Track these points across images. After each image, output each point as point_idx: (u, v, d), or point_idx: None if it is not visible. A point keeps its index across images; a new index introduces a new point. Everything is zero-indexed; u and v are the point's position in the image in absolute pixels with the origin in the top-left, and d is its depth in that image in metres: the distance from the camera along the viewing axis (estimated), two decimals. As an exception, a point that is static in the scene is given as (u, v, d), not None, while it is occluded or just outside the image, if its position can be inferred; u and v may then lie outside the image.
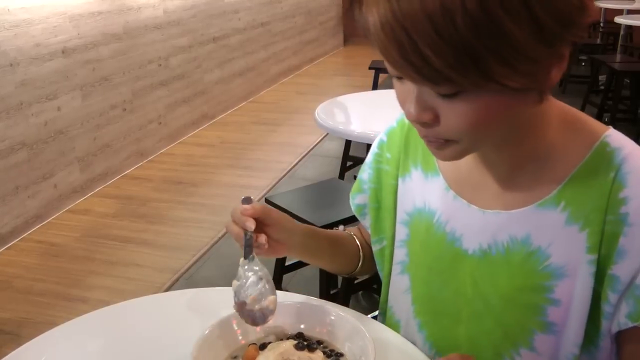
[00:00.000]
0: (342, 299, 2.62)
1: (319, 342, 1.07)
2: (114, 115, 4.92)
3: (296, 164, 5.32)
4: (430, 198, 1.11)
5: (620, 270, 0.90)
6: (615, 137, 0.95)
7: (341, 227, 1.38)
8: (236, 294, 1.03)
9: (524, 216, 0.98)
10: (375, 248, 1.26)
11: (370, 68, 6.36)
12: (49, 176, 4.24)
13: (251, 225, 1.04)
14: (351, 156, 4.42)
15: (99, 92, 4.70)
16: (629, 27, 7.92)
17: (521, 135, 0.94)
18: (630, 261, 0.89)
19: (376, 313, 2.93)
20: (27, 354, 1.19)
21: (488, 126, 0.84)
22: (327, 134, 4.39)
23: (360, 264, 1.31)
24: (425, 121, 0.84)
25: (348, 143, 4.39)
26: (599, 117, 6.09)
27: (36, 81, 4.06)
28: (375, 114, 3.64)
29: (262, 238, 1.06)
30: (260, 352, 1.03)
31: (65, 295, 3.36)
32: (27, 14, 3.97)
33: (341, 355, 1.04)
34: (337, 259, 1.30)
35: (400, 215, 1.19)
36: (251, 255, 1.05)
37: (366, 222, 1.28)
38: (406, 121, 1.19)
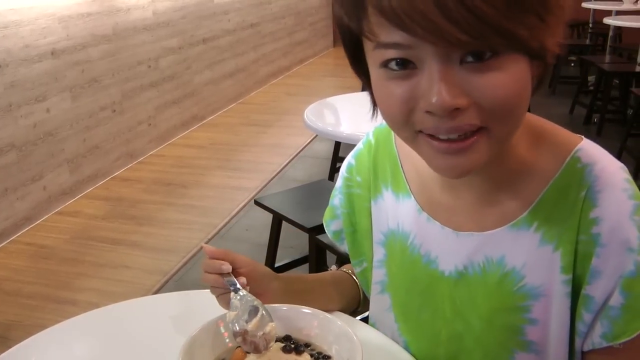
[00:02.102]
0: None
1: (307, 345, 1.07)
2: (103, 117, 4.91)
3: (286, 165, 5.33)
4: (404, 220, 1.09)
5: (594, 290, 0.89)
6: (587, 151, 0.92)
7: (333, 267, 1.37)
8: (233, 324, 1.04)
9: (498, 237, 0.96)
10: (357, 270, 1.25)
11: (360, 69, 6.37)
12: (38, 178, 4.23)
13: (227, 267, 1.08)
14: (341, 157, 4.43)
15: (88, 94, 4.69)
16: (618, 28, 7.97)
17: (502, 151, 0.90)
18: (603, 282, 0.88)
19: (366, 314, 2.94)
20: (16, 357, 1.19)
21: (518, 100, 0.79)
22: (317, 135, 4.40)
23: (362, 299, 1.30)
24: (460, 106, 0.76)
25: (337, 144, 4.40)
26: (588, 118, 6.14)
27: (25, 83, 4.05)
28: (364, 115, 3.63)
29: (242, 279, 1.09)
30: (247, 355, 1.03)
31: (54, 297, 3.36)
32: (16, 15, 3.96)
33: (329, 357, 1.04)
34: (335, 298, 1.28)
35: (377, 235, 1.17)
36: (237, 286, 1.08)
37: (344, 246, 1.26)
38: (372, 141, 1.18)
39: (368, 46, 0.82)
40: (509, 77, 0.76)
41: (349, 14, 0.81)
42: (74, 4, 4.47)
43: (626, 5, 7.78)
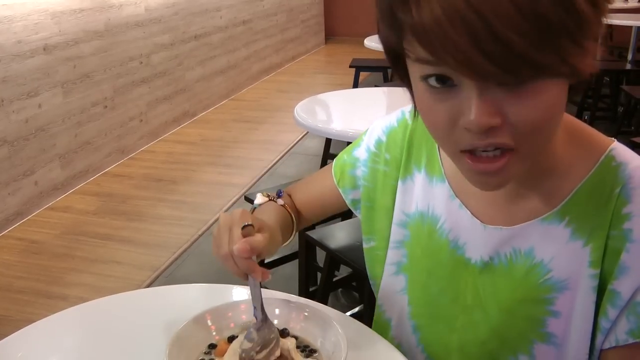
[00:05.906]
0: (321, 297, 2.64)
1: (294, 338, 1.08)
2: (95, 113, 4.91)
3: (277, 161, 5.34)
4: (435, 203, 1.10)
5: (621, 286, 0.90)
6: (620, 151, 0.94)
7: (280, 201, 1.33)
8: (244, 352, 0.99)
9: (527, 231, 0.97)
10: (365, 246, 1.24)
11: (351, 66, 6.38)
12: (30, 173, 4.23)
13: (258, 276, 0.97)
14: (332, 154, 4.45)
15: (80, 89, 4.69)
16: (609, 26, 7.97)
17: None
18: (631, 277, 0.89)
19: (355, 310, 2.95)
20: (4, 351, 1.18)
21: (551, 123, 0.81)
22: (308, 132, 4.41)
23: (293, 233, 1.30)
24: (494, 125, 0.77)
25: (328, 141, 4.40)
26: (578, 116, 6.14)
27: (17, 78, 4.05)
28: (355, 112, 3.66)
29: (267, 276, 0.99)
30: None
31: (45, 292, 3.36)
32: (9, 10, 3.95)
33: (314, 351, 1.06)
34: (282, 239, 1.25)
35: (398, 216, 1.16)
36: (263, 317, 1.01)
37: (360, 216, 1.26)
38: (409, 121, 1.16)
39: (409, 56, 0.81)
40: (543, 102, 0.77)
41: (387, 27, 0.82)
42: (65, -1, 4.47)
43: (617, 4, 7.81)
